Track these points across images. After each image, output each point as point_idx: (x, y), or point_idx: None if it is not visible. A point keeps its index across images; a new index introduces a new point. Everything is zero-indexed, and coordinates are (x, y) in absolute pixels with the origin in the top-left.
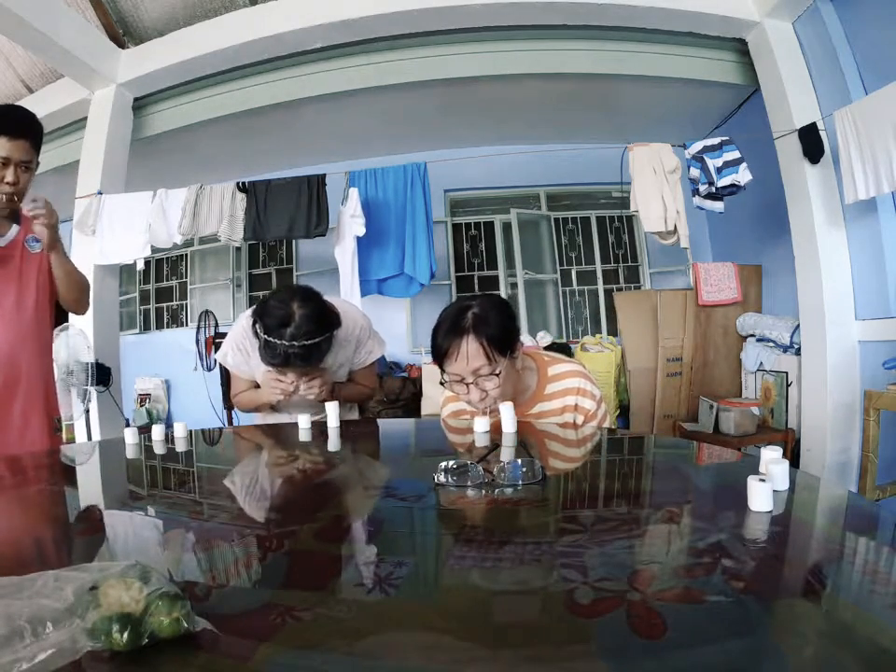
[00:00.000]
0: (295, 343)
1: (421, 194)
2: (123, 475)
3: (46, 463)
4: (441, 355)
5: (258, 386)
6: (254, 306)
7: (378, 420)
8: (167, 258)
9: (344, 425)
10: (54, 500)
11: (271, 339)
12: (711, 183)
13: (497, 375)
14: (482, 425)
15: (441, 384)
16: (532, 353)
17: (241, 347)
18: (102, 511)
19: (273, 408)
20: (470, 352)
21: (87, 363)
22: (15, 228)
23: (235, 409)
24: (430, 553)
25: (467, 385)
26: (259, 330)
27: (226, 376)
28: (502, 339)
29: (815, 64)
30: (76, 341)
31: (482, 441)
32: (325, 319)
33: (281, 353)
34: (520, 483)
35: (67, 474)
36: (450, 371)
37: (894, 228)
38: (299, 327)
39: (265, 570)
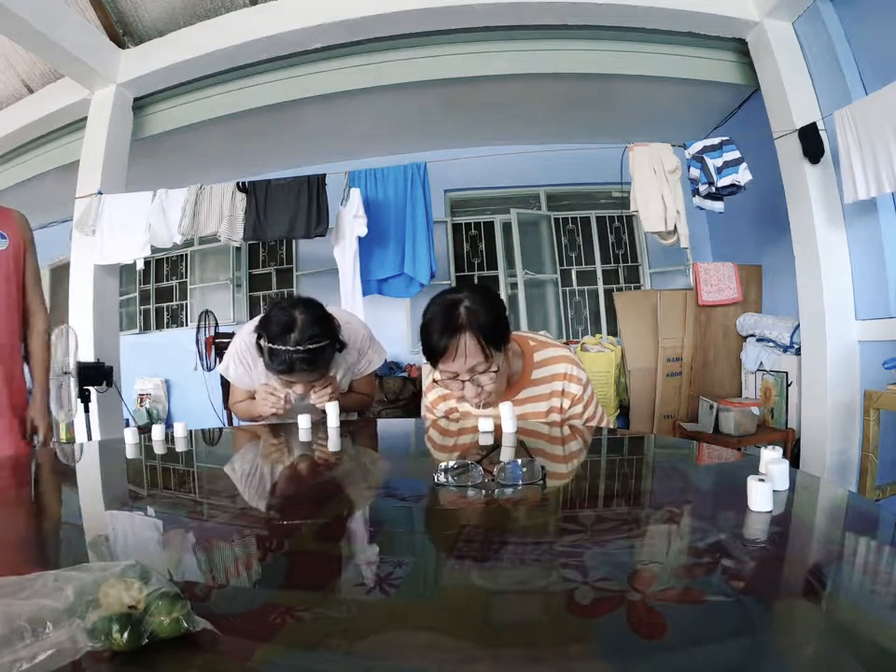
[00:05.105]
0: (300, 347)
1: (421, 194)
2: (123, 475)
3: (25, 465)
4: (437, 354)
5: (254, 397)
6: (255, 319)
7: (378, 420)
8: (167, 258)
9: (344, 425)
10: (54, 500)
11: (275, 346)
12: (711, 183)
13: (496, 372)
14: (486, 425)
15: (435, 381)
16: (517, 337)
17: (242, 360)
18: (102, 510)
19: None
20: (468, 350)
21: (73, 363)
22: None
23: None
24: (430, 553)
25: (462, 381)
26: (263, 342)
27: (225, 378)
28: (497, 334)
29: (815, 64)
30: (66, 340)
31: (486, 440)
32: (327, 324)
33: (286, 359)
34: (520, 483)
35: (67, 474)
36: (445, 370)
37: (894, 228)
38: (302, 331)
39: (265, 570)
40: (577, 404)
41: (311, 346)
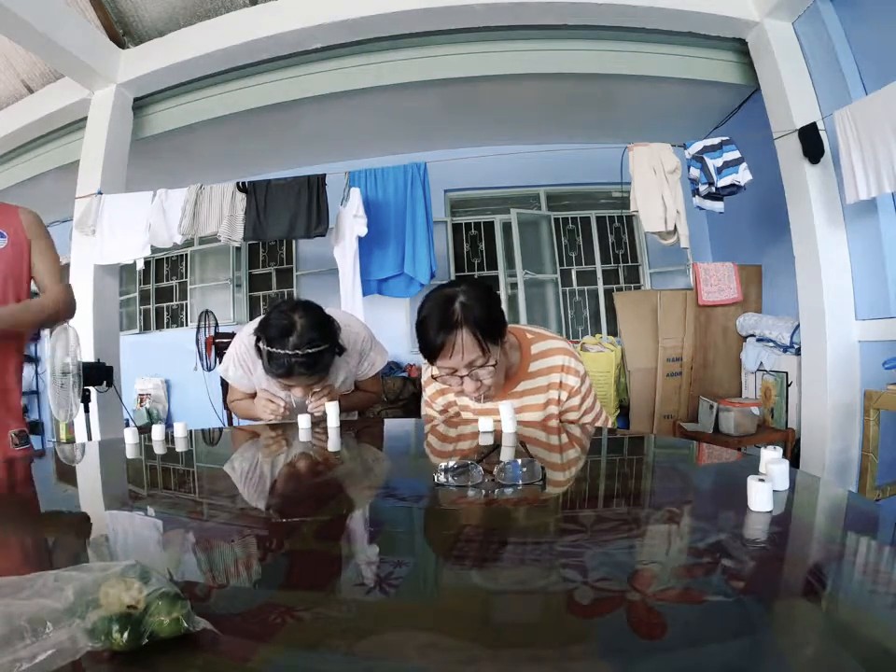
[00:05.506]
0: (298, 351)
1: (421, 194)
2: (123, 475)
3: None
4: (434, 351)
5: (254, 396)
6: (255, 321)
7: (378, 420)
8: (167, 258)
9: (344, 425)
10: (55, 500)
11: (274, 349)
12: (711, 183)
13: (494, 365)
14: (486, 424)
15: (434, 377)
16: (514, 329)
17: (242, 363)
18: (102, 510)
19: None
20: (465, 346)
21: (72, 363)
22: None
23: None
24: (430, 553)
25: (461, 377)
26: (262, 344)
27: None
28: (493, 328)
29: (815, 64)
30: (64, 339)
31: (486, 440)
32: (327, 328)
33: (285, 363)
34: (520, 483)
35: (67, 474)
36: (443, 366)
37: (894, 228)
38: (301, 335)
39: (265, 570)
40: (574, 396)
41: (310, 350)
